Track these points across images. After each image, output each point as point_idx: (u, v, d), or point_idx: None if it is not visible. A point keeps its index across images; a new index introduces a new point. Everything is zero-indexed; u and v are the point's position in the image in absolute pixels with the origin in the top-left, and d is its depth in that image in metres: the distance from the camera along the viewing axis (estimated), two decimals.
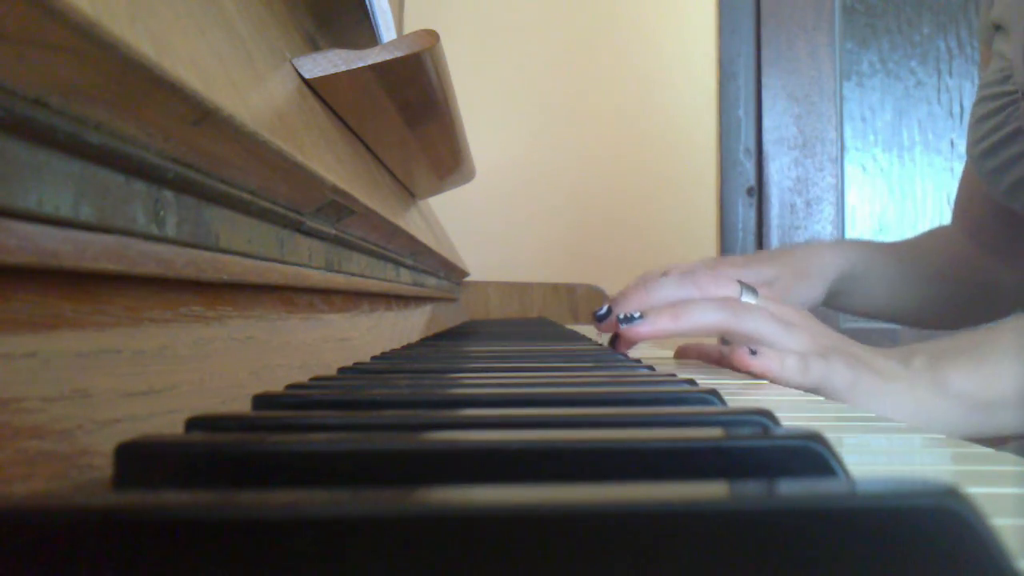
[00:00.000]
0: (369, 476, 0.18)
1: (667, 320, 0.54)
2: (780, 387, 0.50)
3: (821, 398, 0.46)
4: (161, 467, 0.19)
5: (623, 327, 0.55)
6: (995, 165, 0.75)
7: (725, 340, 0.63)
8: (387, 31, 0.62)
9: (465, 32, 1.70)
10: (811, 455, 0.18)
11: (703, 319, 0.54)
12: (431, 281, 0.92)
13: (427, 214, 0.97)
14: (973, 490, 0.21)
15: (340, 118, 0.51)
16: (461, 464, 0.18)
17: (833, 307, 0.91)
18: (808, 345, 0.53)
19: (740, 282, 0.59)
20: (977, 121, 0.77)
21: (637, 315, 0.55)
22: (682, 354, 0.70)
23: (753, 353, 0.51)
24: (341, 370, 0.42)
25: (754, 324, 0.54)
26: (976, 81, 1.76)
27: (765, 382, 0.52)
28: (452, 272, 1.07)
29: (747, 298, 0.58)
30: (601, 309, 0.61)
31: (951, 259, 0.92)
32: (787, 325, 0.54)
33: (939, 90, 1.77)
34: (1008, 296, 0.93)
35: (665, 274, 0.79)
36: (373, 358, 0.50)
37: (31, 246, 0.18)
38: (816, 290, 0.83)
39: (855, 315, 0.95)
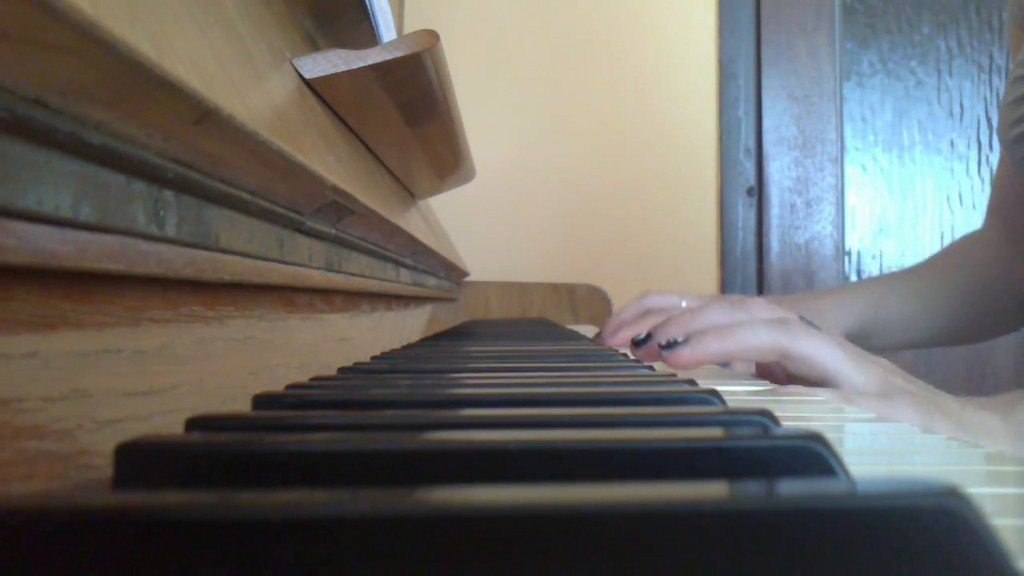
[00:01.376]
0: (369, 476, 0.18)
1: (713, 341, 0.49)
2: (781, 388, 0.49)
3: (821, 398, 0.45)
4: (161, 467, 0.19)
5: (665, 353, 0.50)
6: None
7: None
8: (387, 31, 0.62)
9: (465, 32, 1.70)
10: (811, 455, 0.18)
11: (755, 339, 0.48)
12: (431, 281, 0.92)
13: (427, 214, 0.97)
14: (973, 490, 0.21)
15: (340, 118, 0.51)
16: (461, 464, 0.18)
17: None
18: (875, 382, 0.47)
19: (800, 317, 0.53)
20: (1010, 104, 0.74)
21: (680, 339, 0.50)
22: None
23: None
24: (341, 370, 0.42)
25: (814, 347, 0.47)
26: (976, 81, 1.77)
27: (767, 384, 0.51)
28: (452, 272, 1.07)
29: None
30: (640, 334, 0.56)
31: (981, 267, 0.88)
32: (854, 358, 0.48)
33: (939, 90, 1.77)
34: None
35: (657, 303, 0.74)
36: (373, 358, 0.50)
37: (31, 246, 0.18)
38: None
39: (877, 350, 0.93)
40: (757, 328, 0.49)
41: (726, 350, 0.49)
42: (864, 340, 0.84)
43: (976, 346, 1.62)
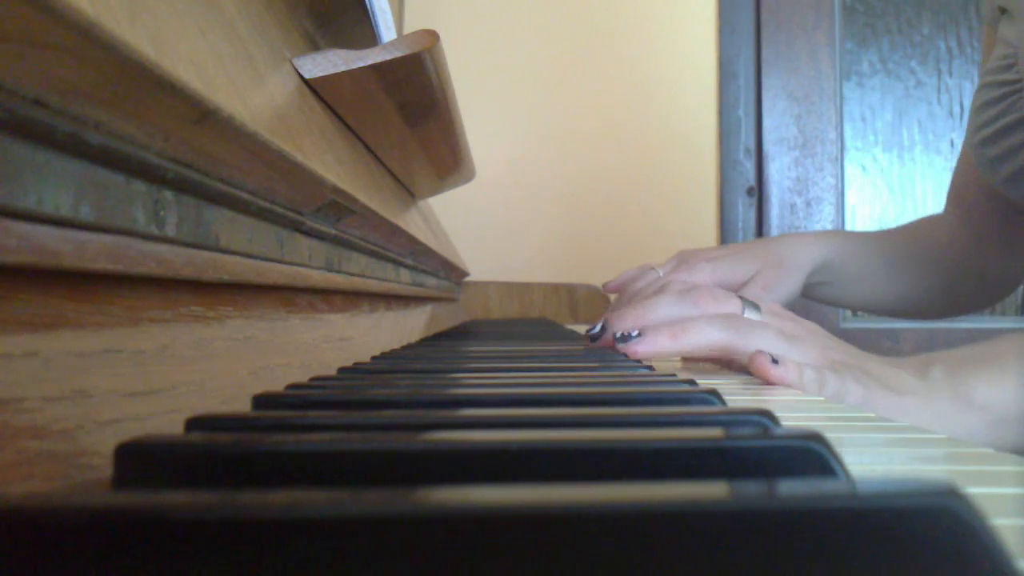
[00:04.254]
0: (369, 476, 0.18)
1: (666, 339, 0.52)
2: (780, 388, 0.49)
3: (821, 398, 0.46)
4: (161, 467, 0.19)
5: (620, 346, 0.53)
6: (995, 154, 0.74)
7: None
8: (387, 31, 0.62)
9: (465, 32, 1.70)
10: (811, 455, 0.18)
11: (706, 338, 0.52)
12: (431, 281, 0.92)
13: (427, 214, 0.97)
14: (973, 490, 0.21)
15: (340, 118, 0.51)
16: (461, 464, 0.18)
17: (814, 298, 0.91)
18: (819, 360, 0.51)
19: (742, 297, 0.57)
20: (978, 108, 0.76)
21: (635, 333, 0.53)
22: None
23: (774, 362, 0.49)
24: (341, 370, 0.42)
25: (761, 342, 0.51)
26: (976, 81, 1.77)
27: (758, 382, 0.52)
28: (452, 272, 1.07)
29: (750, 314, 0.55)
30: (595, 328, 0.59)
31: (941, 246, 0.92)
32: (793, 340, 0.52)
33: (939, 90, 1.77)
34: (998, 284, 0.93)
35: (646, 272, 0.79)
36: (373, 358, 0.50)
37: (31, 246, 0.18)
38: (794, 280, 0.83)
39: (839, 306, 0.96)
40: (709, 327, 0.52)
41: (679, 348, 0.52)
42: (824, 286, 0.88)
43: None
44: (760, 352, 0.49)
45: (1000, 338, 0.54)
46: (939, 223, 0.95)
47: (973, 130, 0.77)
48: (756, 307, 0.56)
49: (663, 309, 0.56)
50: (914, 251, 0.91)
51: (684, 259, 0.82)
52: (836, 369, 0.50)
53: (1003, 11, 0.76)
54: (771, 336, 0.51)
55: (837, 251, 0.86)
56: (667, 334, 0.52)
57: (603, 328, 0.58)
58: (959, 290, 0.93)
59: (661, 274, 0.80)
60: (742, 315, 0.55)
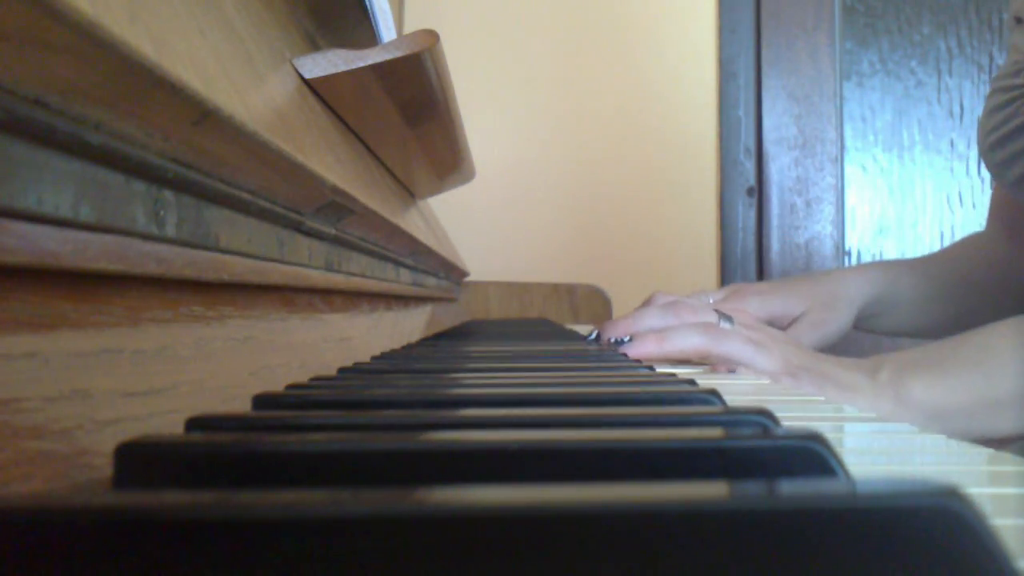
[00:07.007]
0: (369, 476, 0.18)
1: (652, 343, 0.60)
2: (778, 387, 0.50)
3: (821, 398, 0.47)
4: (161, 467, 0.19)
5: None
6: (1003, 158, 0.76)
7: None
8: (387, 31, 0.62)
9: (465, 32, 1.70)
10: (811, 455, 0.18)
11: (686, 343, 0.60)
12: (431, 281, 0.92)
13: (427, 214, 0.97)
14: (973, 490, 0.21)
15: (340, 118, 0.51)
16: (461, 464, 0.18)
17: (865, 330, 0.92)
18: (779, 364, 0.58)
19: (717, 311, 0.65)
20: (988, 113, 0.78)
21: (626, 339, 0.61)
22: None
23: (732, 371, 0.58)
24: (341, 370, 0.42)
25: (731, 347, 0.59)
26: (976, 81, 1.77)
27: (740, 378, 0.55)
28: (452, 272, 1.07)
29: (724, 324, 0.63)
30: (591, 335, 0.68)
31: (985, 263, 0.92)
32: (760, 347, 0.59)
33: (939, 90, 1.77)
34: None
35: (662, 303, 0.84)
36: (373, 358, 0.50)
37: (31, 246, 0.18)
38: (844, 318, 0.85)
39: (890, 335, 0.96)
40: (688, 334, 0.60)
41: (663, 350, 0.60)
42: (875, 318, 0.90)
43: None
44: (719, 365, 0.58)
45: (947, 340, 0.62)
46: (980, 241, 0.96)
47: (983, 135, 0.78)
48: (729, 319, 0.65)
49: (649, 320, 0.66)
50: (956, 272, 0.92)
51: (736, 290, 0.87)
52: (794, 373, 0.58)
53: (1018, 21, 0.78)
54: (741, 342, 0.60)
55: (885, 283, 0.88)
56: (653, 339, 0.61)
57: (597, 337, 0.68)
58: (1008, 305, 0.93)
59: (711, 300, 0.84)
60: (718, 325, 0.63)
